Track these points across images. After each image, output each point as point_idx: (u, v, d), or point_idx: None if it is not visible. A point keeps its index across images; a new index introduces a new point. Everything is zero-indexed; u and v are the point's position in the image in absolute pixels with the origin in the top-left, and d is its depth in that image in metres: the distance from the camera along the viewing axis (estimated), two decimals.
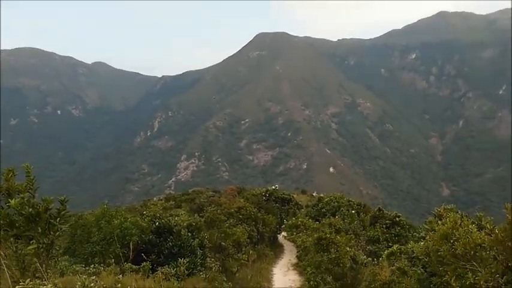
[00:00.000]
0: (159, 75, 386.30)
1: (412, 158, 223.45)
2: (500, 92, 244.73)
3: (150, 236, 14.29)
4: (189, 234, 15.09)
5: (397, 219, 26.03)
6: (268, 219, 28.12)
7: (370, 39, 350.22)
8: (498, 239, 5.73)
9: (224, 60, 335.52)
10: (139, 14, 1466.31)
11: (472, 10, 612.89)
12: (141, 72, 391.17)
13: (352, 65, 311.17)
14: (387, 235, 24.44)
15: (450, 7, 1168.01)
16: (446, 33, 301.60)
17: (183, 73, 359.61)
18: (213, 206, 27.57)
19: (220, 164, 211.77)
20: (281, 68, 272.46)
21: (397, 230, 24.85)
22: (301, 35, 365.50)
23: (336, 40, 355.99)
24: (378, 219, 26.97)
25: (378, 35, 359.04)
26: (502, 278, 5.64)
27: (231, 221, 23.93)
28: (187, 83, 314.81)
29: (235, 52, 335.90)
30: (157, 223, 14.83)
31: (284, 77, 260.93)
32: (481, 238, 6.09)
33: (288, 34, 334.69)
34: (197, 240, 15.30)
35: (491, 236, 5.89)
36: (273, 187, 43.69)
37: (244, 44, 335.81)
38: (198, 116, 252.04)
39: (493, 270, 5.68)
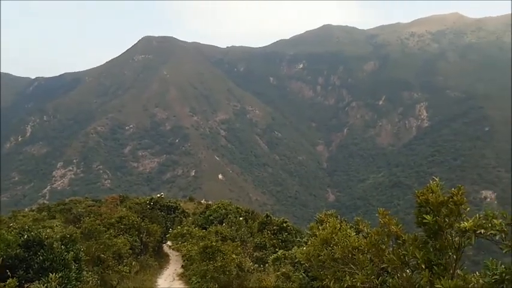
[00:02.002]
0: (33, 77, 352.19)
1: (299, 164, 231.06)
2: (380, 103, 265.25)
3: (18, 250, 12.98)
4: (63, 247, 13.95)
5: (285, 224, 26.78)
6: (153, 228, 27.22)
7: (259, 47, 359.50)
8: (372, 242, 5.97)
9: (107, 62, 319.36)
10: (9, 12, 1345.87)
11: (355, 25, 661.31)
12: (11, 73, 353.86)
13: (241, 72, 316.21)
14: (274, 241, 24.99)
15: (334, 21, 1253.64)
16: (331, 45, 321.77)
17: (60, 75, 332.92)
18: (91, 216, 26.14)
19: (101, 171, 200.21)
20: (168, 72, 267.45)
21: (284, 236, 25.53)
22: (189, 40, 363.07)
23: (225, 47, 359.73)
24: (265, 226, 27.49)
25: (266, 44, 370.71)
26: (377, 279, 5.88)
27: (112, 231, 22.91)
28: (65, 86, 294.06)
29: (119, 54, 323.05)
30: (25, 236, 13.52)
31: (171, 82, 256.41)
32: (358, 241, 6.33)
33: (176, 39, 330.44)
34: (72, 253, 14.17)
35: (367, 239, 6.13)
36: (159, 195, 42.96)
37: (129, 47, 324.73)
38: (77, 121, 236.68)
39: (369, 272, 5.90)
